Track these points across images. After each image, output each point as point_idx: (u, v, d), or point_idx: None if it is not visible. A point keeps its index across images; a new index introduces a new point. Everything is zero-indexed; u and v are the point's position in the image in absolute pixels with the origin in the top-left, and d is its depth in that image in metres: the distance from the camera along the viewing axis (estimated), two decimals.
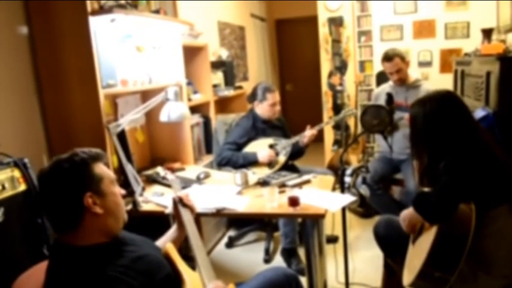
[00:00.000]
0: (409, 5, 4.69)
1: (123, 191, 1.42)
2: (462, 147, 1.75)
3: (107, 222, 1.31)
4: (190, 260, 1.53)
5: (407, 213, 1.89)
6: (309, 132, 3.08)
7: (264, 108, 3.19)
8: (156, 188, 2.56)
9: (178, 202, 1.77)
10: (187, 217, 1.69)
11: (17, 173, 1.76)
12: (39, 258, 1.59)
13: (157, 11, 2.68)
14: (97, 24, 2.20)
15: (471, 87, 3.02)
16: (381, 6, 4.83)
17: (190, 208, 1.77)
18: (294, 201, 2.09)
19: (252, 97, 3.25)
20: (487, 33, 3.30)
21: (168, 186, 2.54)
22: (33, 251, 1.76)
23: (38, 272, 1.39)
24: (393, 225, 1.97)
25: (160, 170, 2.50)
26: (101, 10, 2.19)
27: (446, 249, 1.64)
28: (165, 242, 1.66)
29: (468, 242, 1.59)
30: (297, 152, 3.22)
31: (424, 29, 4.68)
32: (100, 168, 1.33)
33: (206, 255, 1.50)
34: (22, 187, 1.76)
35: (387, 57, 3.21)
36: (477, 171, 1.69)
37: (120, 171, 2.36)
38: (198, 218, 2.04)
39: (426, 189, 1.92)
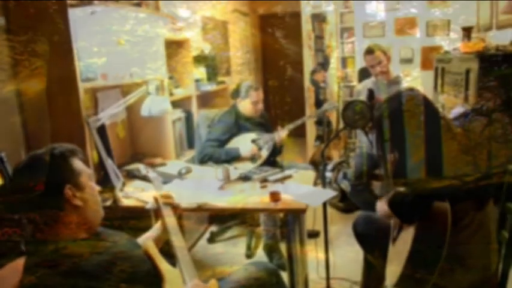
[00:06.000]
0: (392, 2, 4.73)
1: (98, 187, 1.43)
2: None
3: (86, 215, 1.33)
4: (170, 257, 1.52)
5: (383, 210, 1.87)
6: (280, 134, 3.10)
7: (246, 106, 3.18)
8: (137, 183, 2.53)
9: (160, 202, 1.69)
10: (169, 215, 1.63)
11: None
12: (16, 254, 1.55)
13: (138, 4, 2.65)
14: (77, 16, 2.15)
15: (451, 84, 3.07)
16: (363, 3, 4.85)
17: (173, 207, 1.70)
18: (275, 196, 2.10)
19: (236, 94, 3.24)
20: (467, 31, 3.35)
21: (150, 181, 2.51)
22: (10, 248, 1.72)
23: (15, 269, 1.36)
24: (372, 222, 1.97)
25: (141, 168, 2.46)
26: (81, 2, 2.15)
27: (424, 251, 1.65)
28: (148, 239, 1.63)
29: (446, 242, 1.60)
30: (274, 150, 3.21)
31: (406, 26, 4.73)
32: (78, 163, 1.35)
33: (187, 252, 1.48)
34: None
35: (369, 51, 3.26)
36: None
37: (100, 167, 2.32)
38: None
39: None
